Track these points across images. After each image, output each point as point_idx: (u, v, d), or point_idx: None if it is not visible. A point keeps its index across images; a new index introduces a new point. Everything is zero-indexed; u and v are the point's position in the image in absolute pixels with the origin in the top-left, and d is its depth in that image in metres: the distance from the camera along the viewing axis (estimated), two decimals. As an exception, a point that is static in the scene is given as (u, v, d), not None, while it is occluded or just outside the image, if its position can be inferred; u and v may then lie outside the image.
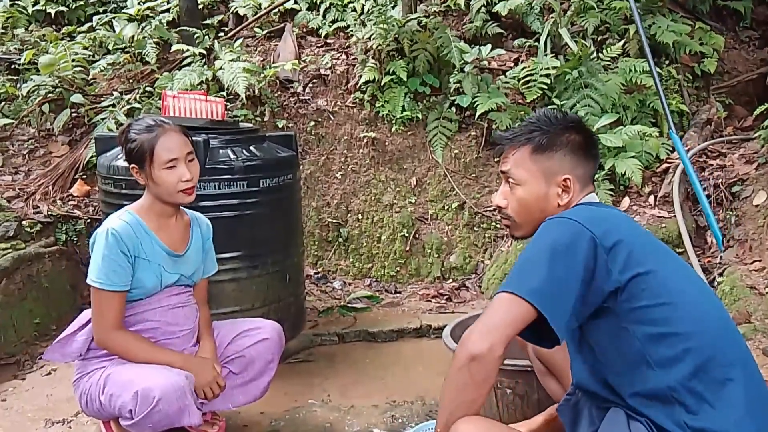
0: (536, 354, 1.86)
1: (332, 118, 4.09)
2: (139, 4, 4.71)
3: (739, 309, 2.91)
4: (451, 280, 3.81)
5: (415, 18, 4.17)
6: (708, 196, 3.54)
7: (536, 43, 4.24)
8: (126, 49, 4.36)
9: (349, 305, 3.46)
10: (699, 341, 1.30)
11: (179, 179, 1.86)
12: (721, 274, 3.19)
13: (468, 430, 1.27)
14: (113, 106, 3.88)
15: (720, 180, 3.67)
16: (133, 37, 4.34)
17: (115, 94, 4.01)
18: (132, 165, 1.90)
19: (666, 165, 3.81)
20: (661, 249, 1.45)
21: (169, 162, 1.86)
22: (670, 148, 3.91)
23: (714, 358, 1.29)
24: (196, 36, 4.23)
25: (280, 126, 3.97)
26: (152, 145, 1.85)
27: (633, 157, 3.68)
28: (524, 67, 4.01)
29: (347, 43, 4.42)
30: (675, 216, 3.44)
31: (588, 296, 1.30)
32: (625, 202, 3.68)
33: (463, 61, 3.97)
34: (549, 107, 1.71)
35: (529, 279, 1.29)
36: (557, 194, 1.48)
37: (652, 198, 3.68)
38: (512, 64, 4.23)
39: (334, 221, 3.94)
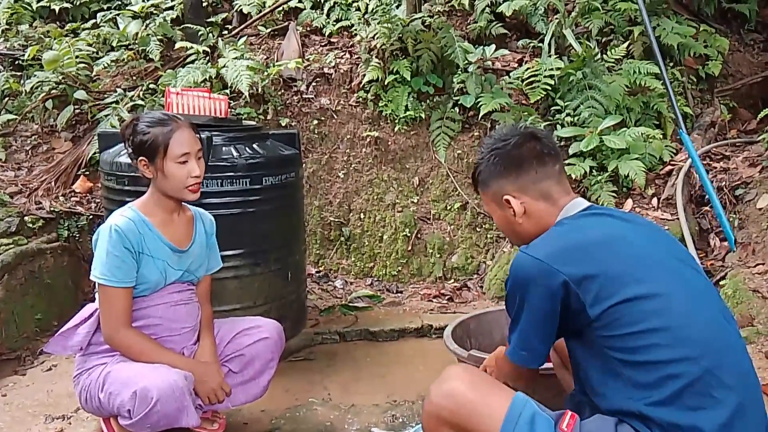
0: (553, 346, 1.88)
1: (335, 116, 4.08)
2: (143, 1, 4.71)
3: (741, 312, 2.90)
4: (452, 280, 3.80)
5: (419, 17, 4.17)
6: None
7: (540, 44, 4.23)
8: (130, 46, 4.36)
9: (351, 304, 3.46)
10: (686, 367, 1.27)
11: (189, 174, 1.87)
12: (724, 277, 3.18)
13: (456, 381, 1.42)
14: (116, 102, 3.89)
15: (724, 183, 3.66)
16: (137, 34, 4.34)
17: (119, 90, 4.01)
18: (141, 158, 1.89)
19: (669, 167, 3.80)
20: (656, 263, 1.39)
21: (182, 156, 1.86)
22: (674, 150, 3.90)
23: (702, 381, 1.26)
24: (200, 33, 4.23)
25: (284, 124, 3.97)
26: (167, 139, 1.85)
27: (636, 158, 3.67)
28: (528, 68, 4.00)
29: (351, 42, 4.41)
30: (678, 218, 3.43)
31: (566, 323, 1.40)
32: (628, 203, 3.67)
33: (466, 61, 3.96)
34: (494, 131, 1.80)
35: (512, 340, 1.48)
36: (512, 215, 1.55)
37: (655, 200, 3.67)
38: (516, 65, 4.23)
39: (336, 220, 3.94)
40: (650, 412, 1.27)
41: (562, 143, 3.90)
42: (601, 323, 1.33)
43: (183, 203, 2.00)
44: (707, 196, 3.47)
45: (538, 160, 1.54)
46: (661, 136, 3.89)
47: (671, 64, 4.32)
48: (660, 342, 1.29)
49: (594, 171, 3.75)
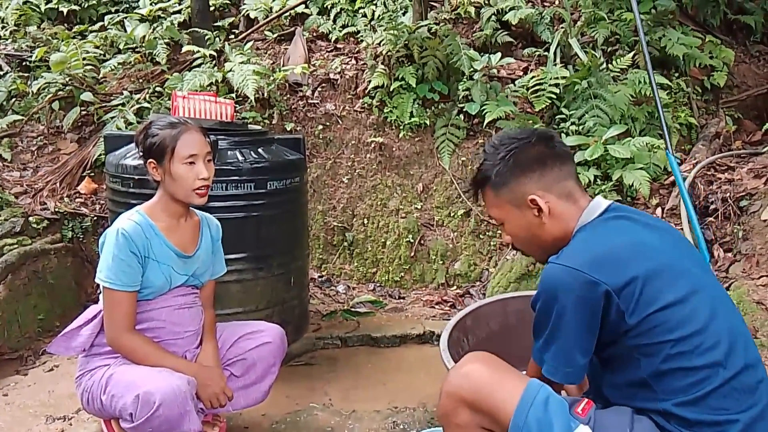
0: None
1: (340, 122, 4.10)
2: (151, 4, 4.74)
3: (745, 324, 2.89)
4: (455, 287, 3.80)
5: (426, 25, 4.18)
6: (716, 210, 3.53)
7: (546, 53, 4.24)
8: (137, 49, 4.39)
9: (353, 309, 3.46)
10: (714, 372, 1.30)
11: (197, 176, 1.88)
12: (727, 289, 3.17)
13: (475, 363, 1.44)
14: (123, 105, 3.90)
15: (728, 194, 3.65)
16: (144, 37, 4.37)
17: (125, 93, 4.03)
18: (150, 160, 1.90)
19: (673, 178, 3.80)
20: (682, 269, 1.39)
21: (189, 158, 1.87)
22: (678, 161, 3.89)
23: (728, 385, 1.30)
24: (206, 37, 4.25)
25: (289, 129, 3.98)
26: (175, 141, 1.87)
27: (641, 168, 3.66)
28: (533, 76, 4.01)
29: (357, 48, 4.43)
30: (682, 229, 3.43)
31: (601, 336, 1.37)
32: (632, 213, 3.67)
33: (472, 69, 3.97)
34: (500, 132, 1.63)
35: (548, 359, 1.42)
36: (535, 215, 1.48)
37: (659, 210, 3.67)
38: (521, 73, 4.24)
39: (340, 225, 3.94)
40: (675, 411, 1.30)
41: (567, 152, 3.90)
42: (638, 331, 1.32)
43: (190, 208, 2.01)
44: (711, 207, 3.47)
45: (559, 159, 1.49)
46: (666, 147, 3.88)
47: (676, 74, 4.32)
48: (693, 349, 1.30)
49: (598, 180, 3.75)
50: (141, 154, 1.95)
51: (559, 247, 1.46)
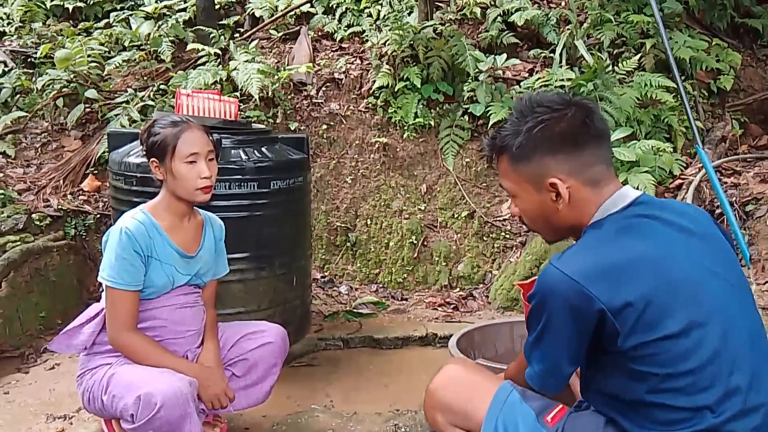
0: None
1: (344, 122, 4.08)
2: (156, 2, 4.73)
3: None
4: (458, 289, 3.78)
5: (431, 25, 4.17)
6: (721, 214, 3.50)
7: (551, 54, 4.22)
8: (142, 47, 4.38)
9: (355, 310, 3.45)
10: (702, 418, 1.17)
11: (198, 175, 1.87)
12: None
13: (453, 369, 1.47)
14: (127, 102, 3.90)
15: (734, 198, 3.64)
16: (149, 34, 4.36)
17: (129, 90, 4.02)
18: (152, 158, 1.90)
19: (679, 181, 3.78)
20: (700, 290, 1.22)
21: (190, 156, 1.86)
22: (684, 164, 3.88)
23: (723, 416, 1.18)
24: (211, 36, 4.25)
25: (293, 128, 3.97)
26: (176, 139, 1.86)
27: (646, 171, 3.65)
28: (539, 78, 3.99)
29: (362, 48, 4.42)
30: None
31: (593, 345, 1.26)
32: (637, 216, 3.65)
33: (477, 70, 3.96)
34: (533, 95, 1.39)
35: (533, 361, 1.34)
36: (552, 200, 1.31)
37: (664, 214, 3.65)
38: (527, 75, 4.22)
39: (343, 225, 3.93)
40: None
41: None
42: (630, 355, 1.20)
43: (194, 208, 2.00)
44: (717, 211, 3.45)
45: (595, 140, 1.30)
46: (672, 150, 3.87)
47: (683, 77, 4.30)
48: (682, 388, 1.18)
49: (603, 183, 3.73)
50: (144, 152, 1.94)
51: (572, 233, 1.34)
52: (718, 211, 3.52)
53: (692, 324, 1.19)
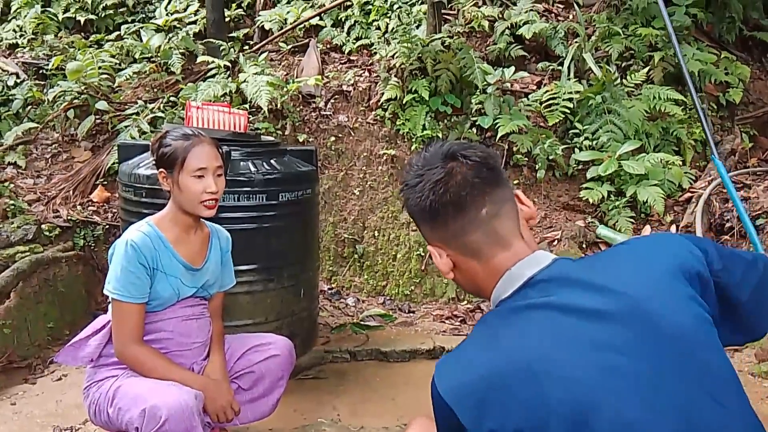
0: None
1: (353, 134, 4.09)
2: (167, 15, 4.78)
3: (762, 346, 2.84)
4: (465, 302, 3.76)
5: (439, 38, 4.19)
6: (731, 228, 3.48)
7: (560, 67, 4.23)
8: (152, 59, 4.42)
9: (362, 323, 3.43)
10: None
11: (204, 189, 1.87)
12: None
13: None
14: (137, 114, 3.93)
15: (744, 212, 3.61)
16: (159, 47, 4.40)
17: (140, 102, 4.05)
18: (161, 169, 1.91)
19: (689, 194, 3.76)
20: (598, 412, 0.87)
21: (198, 170, 1.87)
22: (693, 178, 3.86)
23: None
24: (221, 48, 4.28)
25: (301, 140, 3.98)
26: (186, 152, 1.87)
27: (655, 185, 3.63)
28: (547, 91, 4.00)
29: (370, 61, 4.44)
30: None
31: None
32: (646, 229, 3.63)
33: (485, 82, 3.96)
34: (411, 158, 1.26)
35: None
36: (444, 266, 1.13)
37: (673, 227, 3.62)
38: (535, 87, 4.22)
39: (351, 237, 3.93)
40: None
41: (580, 167, 3.87)
42: None
43: (201, 220, 2.00)
44: (727, 225, 3.42)
45: (455, 207, 1.07)
46: (681, 163, 3.85)
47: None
48: None
49: (612, 196, 3.71)
50: (154, 162, 1.95)
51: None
52: (728, 225, 3.50)
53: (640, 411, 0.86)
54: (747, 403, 0.95)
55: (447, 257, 1.11)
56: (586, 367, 0.89)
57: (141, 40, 4.59)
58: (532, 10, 4.44)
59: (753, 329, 1.14)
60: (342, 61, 4.52)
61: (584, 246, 3.58)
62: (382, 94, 4.06)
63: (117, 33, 4.81)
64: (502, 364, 0.93)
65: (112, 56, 4.34)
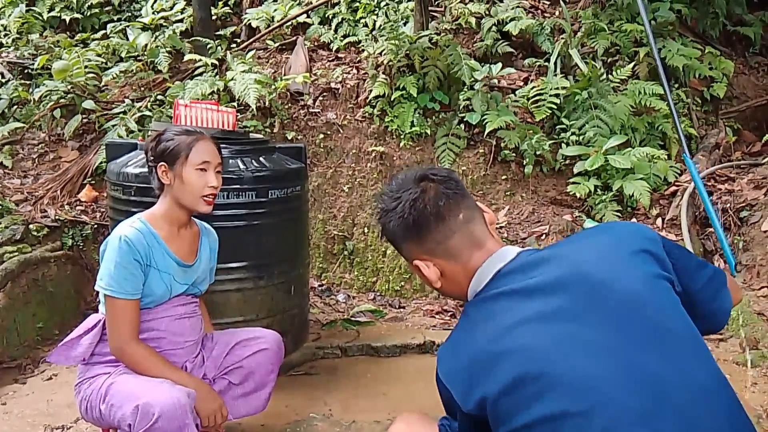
0: None
1: (341, 131, 4.10)
2: (153, 13, 4.76)
3: (747, 335, 2.89)
4: (455, 297, 3.79)
5: (427, 35, 4.20)
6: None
7: (546, 63, 4.26)
8: (139, 58, 4.40)
9: (353, 319, 3.45)
10: None
11: (206, 184, 1.90)
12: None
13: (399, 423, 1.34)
14: (124, 113, 3.91)
15: (728, 205, 3.66)
16: (146, 45, 4.38)
17: (127, 101, 4.03)
18: (162, 163, 1.91)
19: (674, 188, 3.81)
20: (574, 378, 1.01)
21: (202, 164, 1.90)
22: (678, 171, 3.91)
23: None
24: (208, 46, 4.27)
25: (290, 138, 3.99)
26: (189, 147, 1.90)
27: (641, 179, 3.68)
28: (534, 86, 4.03)
29: (358, 58, 4.45)
30: (683, 239, 3.43)
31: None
32: (633, 223, 3.67)
33: (473, 79, 3.99)
34: (384, 187, 1.39)
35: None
36: (430, 277, 1.27)
37: (659, 220, 3.67)
38: (522, 83, 4.26)
39: (340, 234, 3.94)
40: None
41: (567, 162, 3.91)
42: None
43: (191, 218, 2.01)
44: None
45: (435, 218, 1.23)
46: (666, 157, 3.90)
47: (676, 85, 4.34)
48: None
49: (599, 190, 3.75)
50: (151, 158, 1.95)
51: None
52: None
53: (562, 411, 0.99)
54: (704, 358, 1.06)
55: (434, 266, 1.25)
56: (537, 335, 1.07)
57: (127, 39, 4.57)
58: (518, 6, 4.47)
59: (707, 318, 1.23)
60: (330, 59, 4.52)
61: (572, 240, 3.61)
62: (370, 91, 4.07)
63: (103, 32, 4.78)
64: (477, 348, 1.11)
65: (99, 55, 4.31)
